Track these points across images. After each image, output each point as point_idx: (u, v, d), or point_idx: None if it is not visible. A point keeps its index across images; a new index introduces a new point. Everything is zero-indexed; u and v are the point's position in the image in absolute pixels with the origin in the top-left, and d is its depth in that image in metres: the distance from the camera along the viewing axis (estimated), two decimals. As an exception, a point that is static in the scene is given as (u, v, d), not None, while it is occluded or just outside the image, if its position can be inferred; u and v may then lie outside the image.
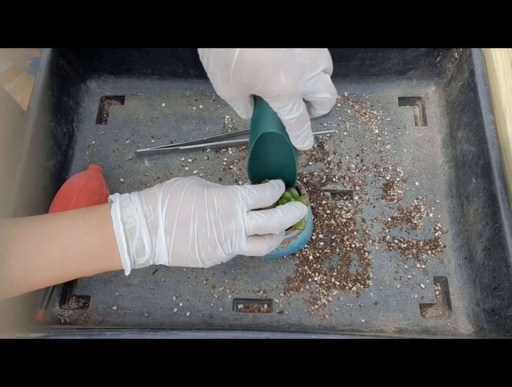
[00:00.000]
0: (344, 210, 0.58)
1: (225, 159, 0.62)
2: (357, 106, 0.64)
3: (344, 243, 0.56)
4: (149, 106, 0.65)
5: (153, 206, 0.38)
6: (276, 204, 0.45)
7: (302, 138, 0.41)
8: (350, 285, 0.54)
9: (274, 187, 0.43)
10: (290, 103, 0.37)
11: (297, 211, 0.42)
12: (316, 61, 0.37)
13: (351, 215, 0.58)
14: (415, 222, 0.57)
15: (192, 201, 0.39)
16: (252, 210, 0.41)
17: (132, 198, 0.39)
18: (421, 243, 0.56)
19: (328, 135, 0.62)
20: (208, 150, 0.62)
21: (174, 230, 0.38)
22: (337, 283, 0.54)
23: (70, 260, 0.38)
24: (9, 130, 0.53)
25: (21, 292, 0.39)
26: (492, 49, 0.59)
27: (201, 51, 0.39)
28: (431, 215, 0.58)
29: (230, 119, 0.64)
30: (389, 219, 0.57)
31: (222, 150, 0.62)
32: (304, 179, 0.59)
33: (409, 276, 0.54)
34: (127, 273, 0.39)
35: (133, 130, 0.64)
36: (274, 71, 0.36)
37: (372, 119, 0.63)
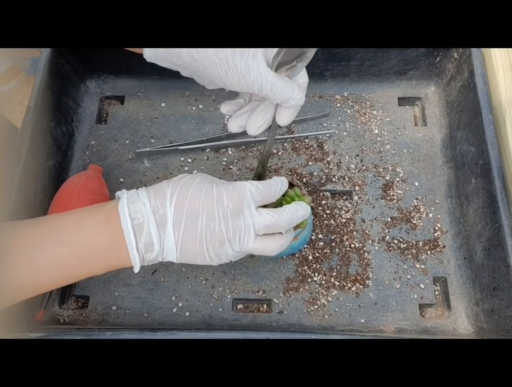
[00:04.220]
0: (344, 210, 0.58)
1: (225, 159, 0.62)
2: (357, 107, 0.64)
3: (344, 243, 0.56)
4: (149, 106, 0.65)
5: (161, 200, 0.38)
6: (280, 203, 0.46)
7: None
8: (349, 285, 0.54)
9: (278, 184, 0.43)
10: None
11: (302, 210, 0.43)
12: None
13: (351, 215, 0.58)
14: (414, 222, 0.57)
15: (201, 195, 0.38)
16: (258, 207, 0.41)
17: (139, 193, 0.39)
18: (420, 243, 0.56)
19: (327, 135, 0.62)
20: (207, 150, 0.62)
21: (183, 225, 0.38)
22: (337, 283, 0.54)
23: (79, 259, 0.37)
24: (3, 149, 0.53)
25: (29, 295, 0.38)
26: (492, 50, 0.59)
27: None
28: (430, 215, 0.58)
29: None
30: (389, 219, 0.57)
31: (222, 150, 0.62)
32: (304, 180, 0.59)
33: (409, 276, 0.54)
34: (136, 270, 0.38)
35: (133, 130, 0.64)
36: None
37: (372, 120, 0.63)
